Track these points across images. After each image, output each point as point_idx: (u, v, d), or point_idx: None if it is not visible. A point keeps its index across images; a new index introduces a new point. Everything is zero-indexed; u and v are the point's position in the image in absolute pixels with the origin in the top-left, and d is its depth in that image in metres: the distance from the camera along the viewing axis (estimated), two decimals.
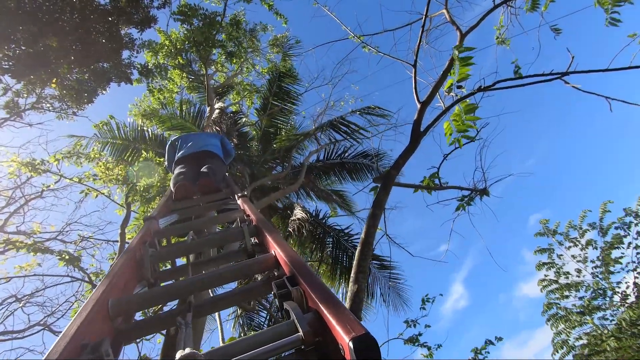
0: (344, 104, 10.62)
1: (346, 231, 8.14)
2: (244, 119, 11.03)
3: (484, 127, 4.22)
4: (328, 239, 8.22)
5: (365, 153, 9.39)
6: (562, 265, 11.04)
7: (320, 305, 0.83)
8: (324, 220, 8.38)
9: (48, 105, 8.99)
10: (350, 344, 0.66)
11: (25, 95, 8.70)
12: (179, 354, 0.77)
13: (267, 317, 7.30)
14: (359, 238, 8.06)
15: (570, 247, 11.03)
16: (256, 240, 1.79)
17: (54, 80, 8.16)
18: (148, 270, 1.50)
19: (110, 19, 8.52)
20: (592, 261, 10.79)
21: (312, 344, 0.82)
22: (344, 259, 7.93)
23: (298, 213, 7.09)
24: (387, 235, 4.06)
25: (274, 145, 8.84)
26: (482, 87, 3.36)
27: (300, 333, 0.82)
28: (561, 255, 11.15)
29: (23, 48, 7.80)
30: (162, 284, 1.60)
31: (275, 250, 1.30)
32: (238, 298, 1.29)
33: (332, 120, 8.21)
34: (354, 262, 2.77)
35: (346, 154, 9.47)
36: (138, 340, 5.43)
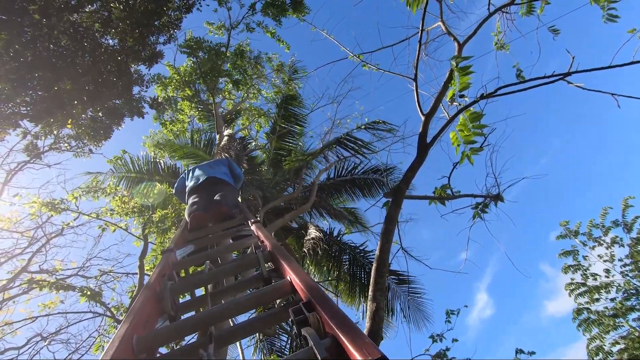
0: (350, 121, 10.74)
1: (362, 248, 8.07)
2: (253, 143, 11.24)
3: (491, 132, 4.20)
4: (344, 257, 8.16)
5: (376, 168, 9.41)
6: (589, 266, 10.65)
7: (336, 330, 0.84)
8: (338, 238, 8.35)
9: (65, 144, 9.35)
10: None
11: (43, 137, 9.09)
12: None
13: (288, 341, 7.20)
14: (373, 253, 7.99)
15: (594, 247, 10.67)
16: (272, 266, 1.81)
17: (69, 121, 8.51)
18: (168, 304, 1.54)
19: (119, 58, 8.92)
20: (620, 259, 10.39)
21: None
22: (362, 275, 7.84)
23: (312, 232, 7.09)
24: (402, 249, 4.03)
25: (284, 167, 8.94)
26: (485, 95, 3.38)
27: (319, 358, 0.83)
28: (586, 256, 10.78)
29: (39, 93, 8.19)
30: (182, 316, 1.63)
31: (291, 276, 1.32)
32: (258, 326, 1.31)
33: (338, 137, 8.30)
34: (371, 280, 2.75)
35: (356, 170, 9.50)
36: None
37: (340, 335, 0.82)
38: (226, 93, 12.15)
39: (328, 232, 8.38)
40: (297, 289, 1.24)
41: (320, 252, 6.95)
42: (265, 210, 6.98)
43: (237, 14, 12.36)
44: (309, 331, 0.93)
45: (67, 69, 8.21)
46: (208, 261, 2.00)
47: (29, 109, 8.21)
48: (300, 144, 10.54)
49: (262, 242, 1.93)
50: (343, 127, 10.72)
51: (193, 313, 1.92)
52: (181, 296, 2.35)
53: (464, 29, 5.85)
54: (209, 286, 1.86)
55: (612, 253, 10.39)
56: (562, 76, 3.17)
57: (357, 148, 8.07)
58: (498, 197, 4.58)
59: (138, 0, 8.30)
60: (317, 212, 9.45)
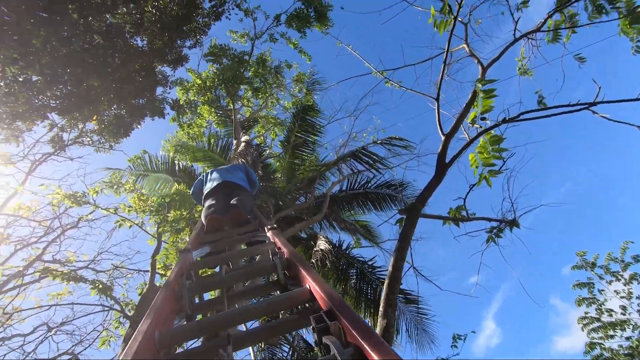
0: (366, 135, 10.78)
1: (370, 263, 8.00)
2: (267, 151, 11.37)
3: (510, 157, 4.17)
4: (352, 271, 8.10)
5: (389, 183, 9.39)
6: (604, 301, 10.28)
7: (361, 340, 0.85)
8: (347, 251, 8.30)
9: (88, 139, 9.64)
10: None
11: (68, 130, 9.40)
12: None
13: (290, 351, 7.13)
14: (383, 270, 7.91)
15: (612, 281, 10.31)
16: (287, 273, 1.83)
17: (94, 117, 8.78)
18: (186, 303, 1.57)
19: (146, 58, 9.23)
20: (639, 297, 10.01)
21: None
22: (369, 291, 7.75)
23: (322, 244, 7.07)
24: (414, 268, 3.99)
25: (298, 176, 9.00)
26: (507, 119, 3.37)
27: None
28: (602, 290, 10.42)
29: (69, 88, 8.50)
30: (198, 316, 1.66)
31: (310, 284, 1.34)
32: (275, 331, 1.32)
33: (354, 150, 8.33)
34: (382, 296, 2.73)
35: (369, 184, 9.49)
36: None
37: (364, 345, 0.83)
38: (245, 100, 12.39)
39: (337, 245, 8.35)
40: (317, 297, 1.26)
41: (328, 264, 6.92)
42: (277, 219, 7.01)
43: (261, 24, 12.66)
44: (331, 339, 0.94)
45: (97, 67, 8.51)
46: (225, 264, 2.03)
47: (58, 102, 8.52)
48: (314, 154, 10.61)
49: (280, 248, 1.96)
50: (359, 141, 10.77)
51: (205, 314, 1.94)
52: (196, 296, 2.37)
53: (487, 51, 5.88)
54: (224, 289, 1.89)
55: (630, 290, 10.03)
56: (587, 105, 3.15)
57: (371, 162, 8.07)
58: (514, 223, 4.52)
59: (170, 5, 8.61)
60: (328, 223, 9.44)
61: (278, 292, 1.84)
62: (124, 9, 8.68)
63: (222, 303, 1.69)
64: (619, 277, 10.27)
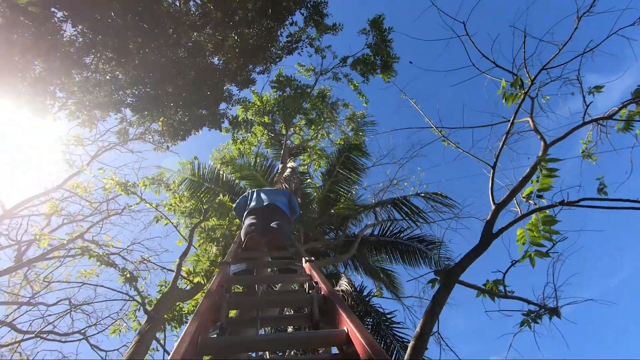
0: (407, 184, 10.72)
1: (388, 316, 7.67)
2: (308, 180, 11.60)
3: (562, 240, 3.96)
4: (368, 320, 7.79)
5: (421, 238, 9.14)
6: None
7: None
8: (367, 299, 8.04)
9: (150, 137, 10.45)
10: None
11: (135, 126, 10.27)
12: None
13: None
14: (401, 327, 7.54)
15: None
16: (320, 308, 1.84)
17: (161, 119, 9.57)
18: (224, 316, 1.63)
19: (218, 76, 10.03)
20: None
21: None
22: (382, 345, 7.37)
23: (343, 284, 6.94)
24: (438, 334, 3.79)
25: (334, 211, 9.04)
26: (566, 202, 3.25)
27: None
28: None
29: (147, 89, 9.39)
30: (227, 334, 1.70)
31: (349, 327, 1.35)
32: None
33: (394, 198, 8.28)
34: (405, 358, 2.62)
35: (401, 235, 9.30)
36: None
37: None
38: (297, 128, 12.92)
39: (358, 289, 8.13)
40: (355, 342, 1.26)
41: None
42: (305, 249, 7.03)
43: (328, 62, 13.38)
44: None
45: (175, 76, 9.36)
46: (261, 285, 2.08)
47: (134, 100, 9.40)
48: (352, 192, 10.67)
49: (317, 283, 1.99)
50: (399, 189, 10.70)
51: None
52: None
53: (550, 127, 5.77)
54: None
55: None
56: None
57: (410, 213, 7.96)
58: (555, 312, 4.20)
59: (251, 33, 9.41)
60: (353, 265, 9.28)
61: (308, 327, 1.85)
62: (210, 30, 9.61)
63: (254, 324, 1.73)
64: None
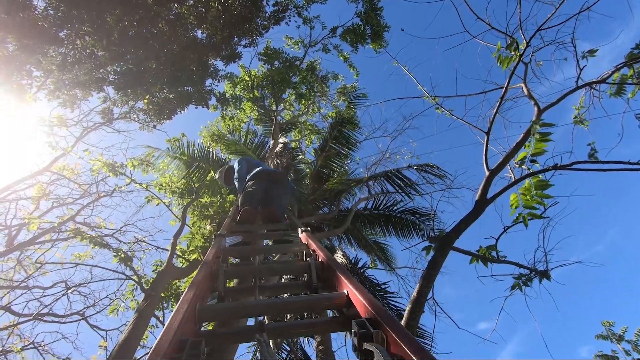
0: (399, 157, 10.71)
1: (383, 287, 7.85)
2: (300, 156, 11.50)
3: (553, 205, 4.01)
4: None
5: (414, 210, 9.23)
6: None
7: (409, 352, 0.84)
8: (362, 270, 8.18)
9: (135, 116, 10.15)
10: None
11: (119, 105, 9.94)
12: None
13: (288, 357, 7.04)
14: (395, 297, 7.73)
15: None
16: (319, 275, 1.83)
17: (146, 97, 9.26)
18: (222, 284, 1.61)
19: (202, 50, 9.66)
20: None
21: None
22: None
23: (338, 257, 7.03)
24: (433, 299, 3.88)
25: (327, 186, 9.02)
26: (559, 166, 3.26)
27: None
28: None
29: (130, 66, 9.02)
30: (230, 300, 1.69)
31: (349, 289, 1.34)
32: (308, 329, 1.32)
33: (387, 171, 8.28)
34: (403, 322, 2.67)
35: (395, 208, 9.37)
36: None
37: (414, 358, 0.82)
38: (287, 103, 12.66)
39: (353, 262, 8.26)
40: (356, 303, 1.25)
41: None
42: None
43: (317, 34, 12.97)
44: (377, 346, 0.93)
45: (158, 51, 8.98)
46: (259, 256, 2.06)
47: (116, 77, 9.04)
48: (345, 167, 10.64)
49: (314, 251, 1.97)
50: (391, 162, 10.69)
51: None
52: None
53: (543, 94, 5.73)
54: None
55: None
56: None
57: (403, 186, 7.99)
58: (545, 274, 4.31)
59: (235, 3, 9.01)
60: (347, 239, 9.37)
61: (306, 294, 1.84)
62: (192, 1, 9.16)
63: (252, 292, 1.72)
64: None
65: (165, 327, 0.98)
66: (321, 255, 1.85)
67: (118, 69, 9.04)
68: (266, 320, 1.34)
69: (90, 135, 8.71)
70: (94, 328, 7.09)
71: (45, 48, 7.81)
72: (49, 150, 7.71)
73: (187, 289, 1.31)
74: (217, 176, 4.50)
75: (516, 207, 3.65)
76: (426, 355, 0.82)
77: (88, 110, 8.98)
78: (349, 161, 10.62)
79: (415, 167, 7.94)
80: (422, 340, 7.22)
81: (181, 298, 1.22)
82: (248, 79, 11.32)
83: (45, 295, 7.18)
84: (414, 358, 0.83)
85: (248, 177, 3.60)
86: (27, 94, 7.50)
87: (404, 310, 3.43)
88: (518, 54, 3.58)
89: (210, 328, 3.83)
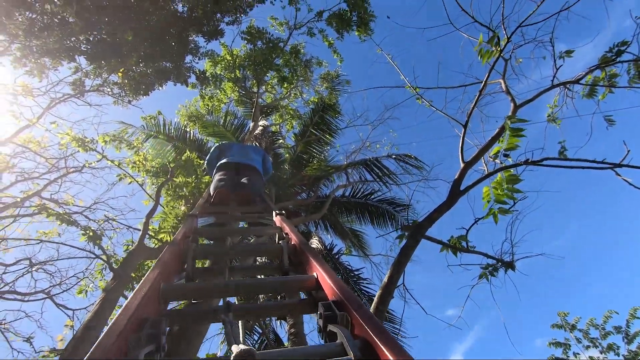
0: (379, 146, 10.79)
1: (357, 273, 7.99)
2: (280, 141, 11.38)
3: (522, 199, 4.17)
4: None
5: (391, 200, 9.38)
6: None
7: (372, 334, 0.85)
8: (337, 256, 8.29)
9: (109, 90, 9.68)
10: None
11: (92, 77, 9.43)
12: (235, 349, 0.80)
13: (260, 340, 7.11)
14: (368, 283, 7.90)
15: (589, 347, 10.26)
16: (290, 259, 1.83)
17: (121, 70, 8.82)
18: (190, 264, 1.57)
19: (183, 25, 9.27)
20: None
21: None
22: None
23: (314, 243, 7.07)
24: (404, 286, 3.98)
25: (305, 172, 9.00)
26: (530, 161, 3.37)
27: (351, 357, 0.84)
28: (578, 354, 10.36)
29: (103, 36, 8.55)
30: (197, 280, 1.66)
31: (319, 272, 1.34)
32: (276, 310, 1.32)
33: (366, 159, 8.33)
34: (372, 307, 2.73)
35: (372, 197, 9.49)
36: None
37: (375, 339, 0.83)
38: (269, 86, 12.41)
39: (328, 248, 8.35)
40: (324, 286, 1.26)
41: None
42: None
43: (303, 16, 12.69)
44: (340, 328, 0.94)
45: (134, 22, 8.55)
46: (231, 238, 2.03)
47: (88, 47, 8.56)
48: (325, 153, 10.63)
49: (287, 234, 1.96)
50: (371, 151, 10.76)
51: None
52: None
53: (520, 91, 5.89)
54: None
55: (606, 358, 9.98)
56: (612, 166, 3.15)
57: (381, 175, 8.08)
58: (510, 265, 4.50)
59: None
60: (323, 225, 9.44)
61: (278, 275, 1.84)
62: None
63: (222, 273, 1.69)
64: (597, 344, 10.22)
65: (124, 305, 0.95)
66: (294, 239, 1.84)
67: (91, 38, 8.56)
68: (236, 302, 1.32)
69: (59, 107, 8.26)
70: (60, 307, 6.88)
71: (11, 11, 7.27)
72: (12, 120, 7.26)
73: (151, 268, 1.27)
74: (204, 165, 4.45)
75: (488, 201, 3.76)
76: (387, 336, 0.83)
77: (57, 80, 8.46)
78: (329, 148, 10.62)
79: (394, 157, 8.03)
80: (392, 324, 7.45)
81: (144, 277, 1.18)
82: (230, 58, 10.98)
83: (6, 272, 6.88)
84: (376, 339, 0.83)
85: (216, 167, 3.57)
86: None
87: (375, 297, 3.51)
88: (499, 49, 3.63)
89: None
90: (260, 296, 5.55)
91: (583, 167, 3.19)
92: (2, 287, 6.92)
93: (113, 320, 0.87)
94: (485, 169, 3.85)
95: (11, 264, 6.93)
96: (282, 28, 11.64)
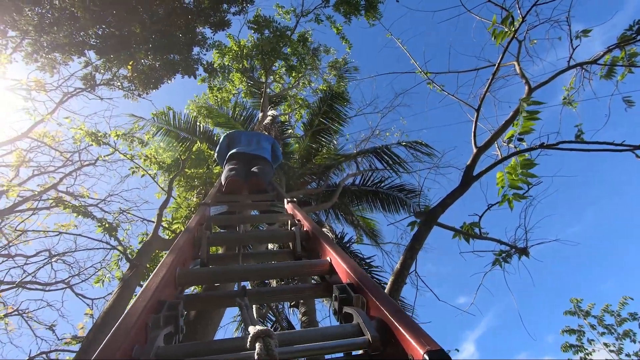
0: (389, 134, 10.68)
1: (368, 261, 8.01)
2: (289, 131, 11.36)
3: (537, 185, 4.09)
4: None
5: (402, 187, 9.31)
6: (592, 352, 10.13)
7: (388, 315, 0.85)
8: (348, 245, 8.32)
9: (119, 84, 9.76)
10: (426, 357, 0.68)
11: (102, 71, 9.52)
12: (252, 329, 0.81)
13: (273, 328, 7.24)
14: (380, 271, 7.91)
15: (604, 333, 10.14)
16: (303, 244, 1.83)
17: (130, 63, 8.88)
18: (204, 250, 1.59)
19: (189, 16, 9.24)
20: (628, 355, 9.83)
21: (377, 350, 0.84)
22: None
23: (325, 231, 7.09)
24: (416, 273, 3.98)
25: (315, 161, 8.98)
26: (545, 145, 3.29)
27: (368, 337, 0.84)
28: (592, 340, 10.26)
29: (112, 29, 8.58)
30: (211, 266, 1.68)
31: (332, 257, 1.34)
32: (290, 294, 1.33)
33: (376, 147, 8.26)
34: (386, 291, 2.74)
35: (382, 184, 9.44)
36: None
37: (393, 320, 0.82)
38: (277, 76, 12.35)
39: (339, 236, 8.37)
40: (339, 270, 1.26)
41: None
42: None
43: (309, 3, 12.53)
44: (356, 309, 0.94)
45: (142, 15, 8.56)
46: (244, 225, 2.04)
47: (98, 41, 8.62)
48: (334, 142, 10.57)
49: (299, 220, 1.96)
50: (381, 139, 10.67)
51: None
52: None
53: (534, 73, 5.72)
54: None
55: (621, 345, 9.86)
56: (632, 147, 3.05)
57: (391, 163, 8.01)
58: (524, 251, 4.44)
59: None
60: (334, 214, 9.46)
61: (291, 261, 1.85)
62: None
63: (236, 259, 1.71)
64: (612, 331, 10.09)
65: (142, 288, 0.97)
66: (306, 225, 1.84)
67: (100, 32, 8.61)
68: (249, 287, 1.34)
69: (71, 101, 8.38)
70: (80, 296, 7.10)
71: (21, 7, 7.35)
72: (26, 116, 7.40)
73: (167, 254, 1.29)
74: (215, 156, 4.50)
75: (502, 186, 3.70)
76: (404, 316, 0.83)
77: (68, 75, 8.56)
78: (338, 136, 10.55)
79: (404, 144, 7.95)
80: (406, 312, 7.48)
81: (161, 262, 1.20)
82: (237, 49, 10.94)
83: (28, 264, 7.11)
84: (392, 319, 0.83)
85: (226, 158, 3.61)
86: (3, 54, 7.09)
87: (387, 284, 3.52)
88: (513, 29, 3.52)
89: None
90: (273, 282, 5.65)
91: (601, 150, 3.10)
92: (24, 278, 7.17)
93: (133, 302, 0.89)
94: (499, 153, 3.78)
95: (32, 255, 7.16)
96: (288, 16, 11.52)
